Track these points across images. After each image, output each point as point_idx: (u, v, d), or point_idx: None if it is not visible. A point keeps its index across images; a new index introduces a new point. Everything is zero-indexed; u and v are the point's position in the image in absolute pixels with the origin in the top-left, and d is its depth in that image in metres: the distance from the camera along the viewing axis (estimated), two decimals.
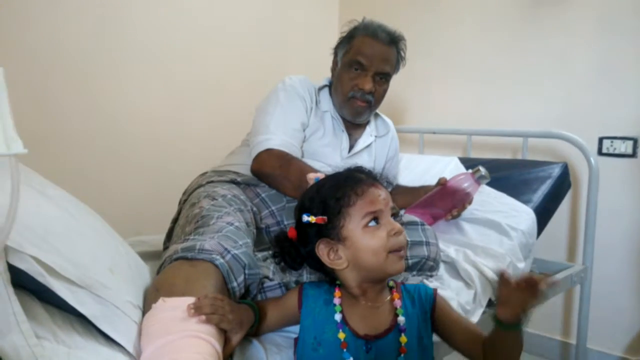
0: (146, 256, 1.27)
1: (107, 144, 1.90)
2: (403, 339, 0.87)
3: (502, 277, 0.82)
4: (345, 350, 0.86)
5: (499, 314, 0.83)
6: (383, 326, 0.89)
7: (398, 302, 0.91)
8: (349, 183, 0.90)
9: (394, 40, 1.50)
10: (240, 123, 1.69)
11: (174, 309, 0.80)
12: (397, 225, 0.88)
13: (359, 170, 0.95)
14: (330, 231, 0.88)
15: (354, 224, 0.87)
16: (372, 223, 0.87)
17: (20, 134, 0.56)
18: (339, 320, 0.89)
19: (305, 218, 0.88)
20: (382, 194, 0.89)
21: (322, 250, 0.89)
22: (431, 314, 0.93)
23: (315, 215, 0.88)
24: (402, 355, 0.87)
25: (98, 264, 0.78)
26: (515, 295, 0.80)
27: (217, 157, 1.61)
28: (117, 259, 0.86)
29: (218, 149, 1.68)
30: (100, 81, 1.86)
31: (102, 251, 0.83)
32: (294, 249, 0.93)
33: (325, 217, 0.88)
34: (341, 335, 0.87)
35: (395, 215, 0.92)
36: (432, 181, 1.61)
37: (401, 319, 0.89)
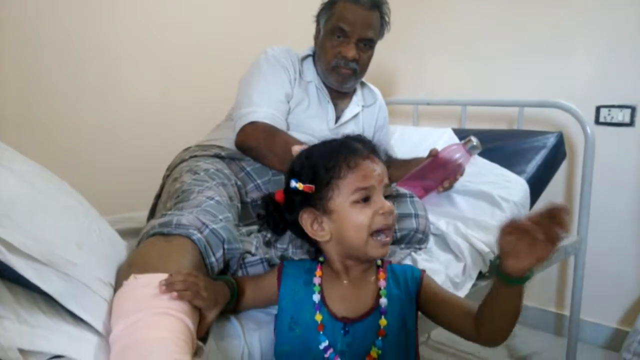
0: (131, 233, 1.24)
1: (95, 121, 1.88)
2: (383, 321, 0.83)
3: (513, 223, 0.70)
4: (322, 332, 0.83)
5: (510, 266, 0.71)
6: (364, 308, 0.85)
7: (382, 283, 0.87)
8: (343, 152, 0.84)
9: (376, 4, 1.44)
10: (228, 98, 1.65)
11: (145, 285, 0.76)
12: (387, 205, 0.83)
13: (357, 139, 0.88)
14: (316, 201, 0.84)
15: (343, 198, 0.82)
16: (362, 200, 0.82)
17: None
18: (317, 301, 0.85)
19: (293, 184, 0.84)
20: (377, 169, 0.83)
21: (306, 220, 0.85)
22: (416, 295, 0.87)
23: (303, 182, 0.83)
24: (381, 338, 0.82)
25: (64, 240, 0.75)
26: (525, 244, 0.69)
27: (205, 132, 1.57)
28: (87, 235, 0.82)
29: (206, 124, 1.65)
30: (87, 59, 1.83)
31: (70, 227, 0.79)
32: (278, 214, 0.89)
33: (313, 186, 0.83)
34: (318, 317, 0.84)
35: (389, 196, 0.86)
36: (425, 153, 1.57)
37: (383, 300, 0.85)
